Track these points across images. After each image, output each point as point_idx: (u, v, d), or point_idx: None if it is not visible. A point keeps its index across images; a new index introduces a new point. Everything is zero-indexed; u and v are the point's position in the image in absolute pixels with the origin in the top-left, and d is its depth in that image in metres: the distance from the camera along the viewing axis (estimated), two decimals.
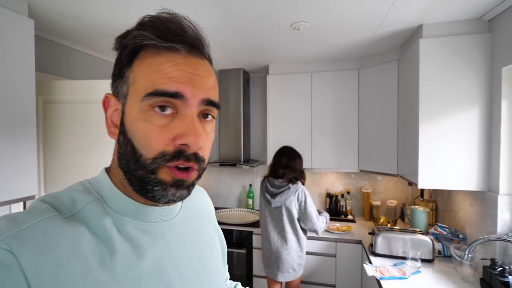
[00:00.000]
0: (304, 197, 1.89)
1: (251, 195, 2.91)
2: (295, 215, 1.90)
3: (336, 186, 2.75)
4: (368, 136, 2.34)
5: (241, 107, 2.66)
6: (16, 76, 1.31)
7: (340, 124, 2.45)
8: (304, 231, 1.96)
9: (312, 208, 1.90)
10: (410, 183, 2.23)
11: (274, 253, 1.92)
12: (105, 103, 0.44)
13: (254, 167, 2.76)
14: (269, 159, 2.57)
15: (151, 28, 0.38)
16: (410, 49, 1.81)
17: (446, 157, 1.61)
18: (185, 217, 0.51)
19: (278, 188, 1.92)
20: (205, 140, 0.41)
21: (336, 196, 2.68)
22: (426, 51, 1.64)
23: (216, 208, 2.91)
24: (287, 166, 1.95)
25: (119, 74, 0.41)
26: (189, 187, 0.42)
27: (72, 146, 1.70)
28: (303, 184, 1.96)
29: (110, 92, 0.44)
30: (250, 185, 2.93)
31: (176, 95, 0.37)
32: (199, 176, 0.43)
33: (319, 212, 2.02)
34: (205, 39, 0.43)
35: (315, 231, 1.93)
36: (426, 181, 1.65)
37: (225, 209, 2.88)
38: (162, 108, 0.38)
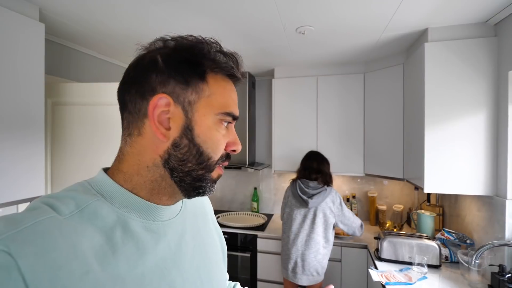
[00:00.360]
0: (339, 199, 1.96)
1: (256, 198, 2.91)
2: (330, 218, 1.91)
3: (342, 189, 2.74)
4: (374, 140, 2.33)
5: (246, 111, 2.68)
6: (26, 79, 1.35)
7: (345, 128, 2.44)
8: (332, 237, 1.98)
9: (347, 208, 1.97)
10: (417, 188, 2.21)
11: (300, 255, 1.91)
12: (157, 103, 0.43)
13: (259, 170, 2.77)
14: (275, 162, 2.58)
15: (231, 59, 0.47)
16: (416, 53, 1.81)
17: (453, 161, 1.60)
18: (185, 217, 0.52)
19: (314, 189, 1.93)
20: None
21: None
22: (431, 55, 1.64)
23: (220, 211, 2.91)
24: (319, 170, 1.99)
25: (185, 81, 0.44)
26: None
27: (79, 148, 1.73)
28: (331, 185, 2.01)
29: (161, 92, 0.43)
30: (255, 188, 2.93)
31: (236, 118, 0.49)
32: None
33: None
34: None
35: (354, 232, 1.97)
36: (432, 185, 1.64)
37: (230, 212, 2.88)
38: (223, 123, 0.47)
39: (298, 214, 1.97)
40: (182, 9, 1.42)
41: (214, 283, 0.52)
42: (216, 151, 0.46)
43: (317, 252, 1.89)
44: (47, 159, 1.74)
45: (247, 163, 2.67)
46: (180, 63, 0.44)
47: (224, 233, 2.48)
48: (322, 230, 1.91)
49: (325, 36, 1.81)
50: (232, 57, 0.48)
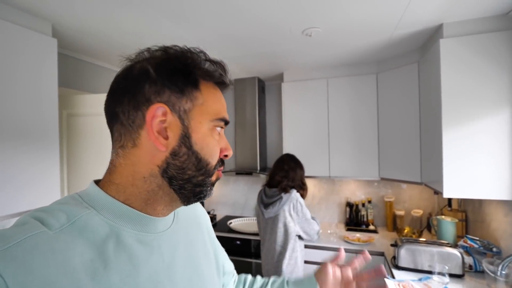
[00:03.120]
0: (300, 205, 1.78)
1: None
2: (291, 228, 1.76)
3: (357, 194, 2.65)
4: (389, 142, 2.23)
5: (256, 116, 2.66)
6: (41, 92, 1.39)
7: (358, 130, 2.37)
8: (299, 244, 1.82)
9: (309, 213, 1.82)
10: (436, 192, 2.09)
11: (265, 266, 1.86)
12: (154, 113, 0.42)
13: None
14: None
15: (221, 68, 0.49)
16: (431, 50, 1.72)
17: (474, 164, 1.50)
18: (178, 228, 0.52)
19: (270, 198, 1.82)
20: None
21: (357, 205, 2.58)
22: (447, 52, 1.55)
23: (233, 217, 2.90)
24: (286, 175, 1.83)
25: (180, 90, 0.44)
26: None
27: (94, 157, 1.77)
28: (303, 196, 1.85)
29: (156, 102, 0.43)
30: None
31: (228, 123, 0.51)
32: None
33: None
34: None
35: (312, 239, 1.85)
36: (452, 189, 1.54)
37: (243, 218, 2.85)
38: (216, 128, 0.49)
39: (262, 224, 1.89)
40: (188, 16, 1.43)
41: None
42: (213, 157, 0.47)
43: (279, 263, 1.77)
44: (62, 169, 1.80)
45: (258, 168, 2.64)
46: (173, 72, 0.44)
47: (237, 239, 2.46)
48: (283, 239, 1.76)
49: (333, 37, 1.76)
50: (219, 65, 0.49)
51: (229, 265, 0.71)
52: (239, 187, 3.05)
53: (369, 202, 2.55)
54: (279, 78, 2.73)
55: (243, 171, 2.64)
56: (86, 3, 1.29)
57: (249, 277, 0.76)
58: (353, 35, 1.74)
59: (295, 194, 1.80)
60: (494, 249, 1.57)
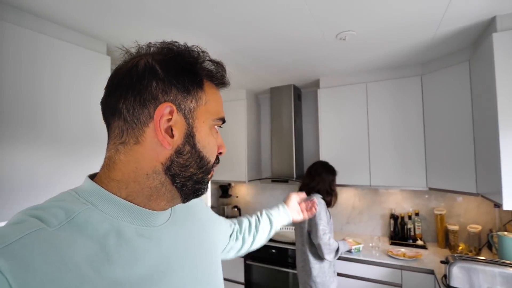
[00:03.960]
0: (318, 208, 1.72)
1: None
2: (306, 229, 1.82)
3: (403, 206, 2.45)
4: (437, 149, 2.05)
5: (292, 123, 2.65)
6: (96, 105, 1.54)
7: (402, 137, 2.21)
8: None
9: (321, 221, 1.73)
10: (497, 205, 1.84)
11: (300, 271, 1.87)
12: (162, 112, 0.43)
13: None
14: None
15: (223, 70, 0.51)
16: (482, 46, 1.57)
17: None
18: (175, 220, 0.53)
19: None
20: None
21: (402, 218, 2.38)
22: (502, 47, 1.40)
23: None
24: (311, 180, 1.87)
25: (186, 89, 0.45)
26: None
27: None
28: (331, 202, 1.85)
29: (164, 101, 0.43)
30: None
31: (224, 121, 0.52)
32: None
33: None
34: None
35: (319, 247, 1.71)
36: None
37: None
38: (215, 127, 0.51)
39: (296, 229, 1.93)
40: (222, 29, 1.51)
41: (208, 283, 0.53)
42: (213, 155, 0.49)
43: (306, 268, 1.80)
44: None
45: (295, 176, 2.61)
46: (180, 72, 0.45)
47: (273, 247, 2.43)
48: (300, 241, 1.85)
49: (369, 39, 1.70)
50: (221, 65, 0.51)
51: (230, 227, 0.82)
52: (275, 195, 3.04)
53: (417, 214, 2.34)
54: (315, 84, 2.70)
55: (279, 179, 2.63)
56: (138, 25, 1.44)
57: (244, 223, 0.88)
58: (392, 35, 1.66)
59: (316, 197, 1.79)
60: None
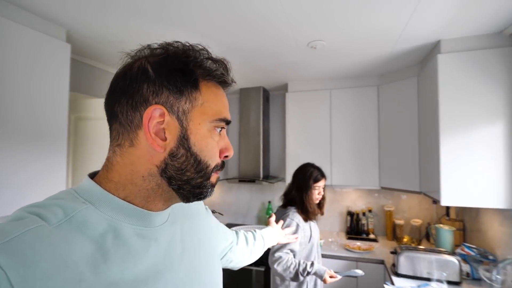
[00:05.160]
0: (292, 224, 1.57)
1: (270, 211, 2.91)
2: None
3: (358, 204, 2.69)
4: (389, 152, 2.30)
5: (260, 124, 2.73)
6: (52, 96, 1.41)
7: (360, 141, 2.44)
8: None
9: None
10: (435, 201, 2.14)
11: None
12: (151, 115, 0.42)
13: (273, 183, 2.78)
14: (288, 175, 2.57)
15: (222, 66, 0.48)
16: (429, 65, 1.81)
17: (471, 173, 1.56)
18: (174, 221, 0.53)
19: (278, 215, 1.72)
20: None
21: (357, 214, 2.62)
22: (445, 67, 1.64)
23: (235, 225, 2.92)
24: (287, 192, 1.76)
25: (178, 90, 0.43)
26: None
27: (100, 160, 1.82)
28: (307, 219, 1.64)
29: (154, 103, 0.43)
30: (269, 202, 2.94)
31: (229, 122, 0.50)
32: None
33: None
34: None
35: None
36: (449, 198, 1.60)
37: (244, 226, 2.88)
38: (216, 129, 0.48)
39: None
40: (197, 28, 1.52)
41: (205, 284, 0.53)
42: (212, 158, 0.47)
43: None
44: (68, 171, 1.84)
45: (261, 176, 2.69)
46: (172, 72, 0.43)
47: None
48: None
49: (337, 50, 1.85)
50: (221, 63, 0.48)
51: (229, 236, 0.81)
52: (242, 194, 3.10)
53: (370, 211, 2.59)
54: (284, 88, 2.83)
55: (246, 179, 2.69)
56: (100, 12, 1.36)
57: (240, 237, 0.89)
58: (356, 48, 1.84)
59: (290, 214, 1.62)
60: (490, 257, 1.61)
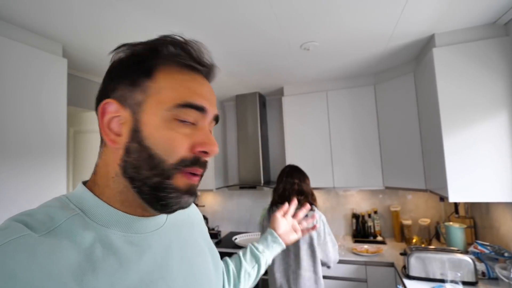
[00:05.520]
0: (323, 225, 1.59)
1: None
2: (316, 246, 1.56)
3: (362, 206, 2.63)
4: (391, 151, 2.25)
5: (258, 130, 2.70)
6: (50, 110, 1.43)
7: (360, 141, 2.39)
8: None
9: (329, 238, 1.60)
10: (442, 199, 2.08)
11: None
12: (103, 110, 0.41)
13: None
14: None
15: (185, 50, 0.43)
16: (425, 60, 1.78)
17: (477, 167, 1.51)
18: (172, 227, 0.50)
19: None
20: None
21: (363, 217, 2.55)
22: (441, 60, 1.61)
23: (238, 233, 2.86)
24: (301, 191, 1.64)
25: (132, 82, 0.41)
26: (196, 194, 0.45)
27: None
28: (315, 206, 1.67)
29: (110, 99, 0.42)
30: None
31: (202, 109, 0.43)
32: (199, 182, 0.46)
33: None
34: (217, 68, 0.49)
35: (328, 262, 1.59)
36: (457, 194, 1.54)
37: (247, 234, 2.81)
38: (182, 119, 0.42)
39: None
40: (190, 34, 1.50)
41: None
42: (169, 153, 0.40)
43: None
44: (69, 184, 1.81)
45: (262, 182, 2.64)
46: (126, 65, 0.42)
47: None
48: (310, 264, 1.55)
49: (330, 50, 1.83)
50: (189, 46, 0.43)
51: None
52: (243, 202, 3.04)
53: (375, 212, 2.52)
54: (280, 92, 2.80)
55: (247, 185, 2.64)
56: (95, 28, 1.36)
57: (229, 262, 0.74)
58: (349, 47, 1.81)
59: (318, 210, 1.63)
60: (506, 254, 1.54)
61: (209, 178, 2.76)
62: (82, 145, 1.84)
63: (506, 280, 1.35)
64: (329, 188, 2.46)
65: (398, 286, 1.60)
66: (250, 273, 0.74)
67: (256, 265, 0.75)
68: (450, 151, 1.57)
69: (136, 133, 0.40)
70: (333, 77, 2.44)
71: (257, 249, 0.77)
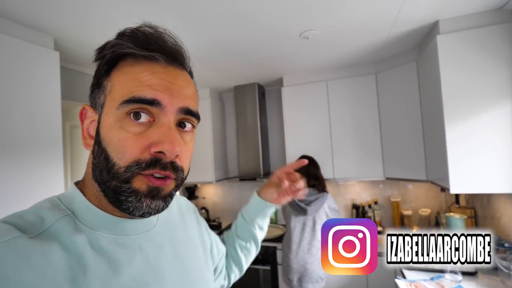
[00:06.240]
0: (334, 204, 2.00)
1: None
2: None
3: (362, 196, 2.62)
4: (392, 141, 2.22)
5: (258, 121, 2.67)
6: (44, 105, 1.41)
7: (360, 131, 2.36)
8: None
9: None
10: (443, 189, 2.06)
11: (304, 265, 1.88)
12: (82, 115, 0.43)
13: None
14: None
15: (130, 38, 0.39)
16: (428, 47, 1.73)
17: (479, 158, 1.48)
18: (164, 227, 0.49)
19: (311, 195, 1.94)
20: (183, 149, 0.41)
21: (363, 207, 2.55)
22: (445, 48, 1.56)
23: None
24: (316, 177, 2.00)
25: (97, 84, 0.41)
26: (166, 198, 0.40)
27: None
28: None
29: (88, 103, 0.44)
30: None
31: (153, 102, 0.37)
32: (177, 187, 0.42)
33: None
34: (185, 52, 0.43)
35: None
36: (459, 185, 1.52)
37: None
38: (137, 116, 0.38)
39: (297, 222, 1.96)
40: (186, 25, 1.45)
41: None
42: (120, 155, 0.37)
43: (320, 258, 1.80)
44: (67, 179, 1.81)
45: (262, 173, 2.63)
46: (97, 68, 0.42)
47: None
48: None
49: (330, 38, 1.78)
50: (138, 33, 0.39)
51: (221, 248, 0.68)
52: (244, 193, 3.04)
53: (376, 203, 2.52)
54: (279, 83, 2.75)
55: (247, 177, 2.63)
56: (87, 19, 1.32)
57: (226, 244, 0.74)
58: (350, 35, 1.75)
59: (329, 195, 2.00)
60: (506, 244, 1.54)
61: (209, 170, 2.75)
62: (80, 140, 1.82)
63: (506, 271, 1.34)
64: (329, 179, 2.45)
65: (397, 276, 1.60)
66: (248, 247, 0.72)
67: (252, 241, 0.73)
68: (452, 141, 1.54)
69: (97, 136, 0.40)
70: (334, 67, 2.39)
71: (244, 214, 0.73)
